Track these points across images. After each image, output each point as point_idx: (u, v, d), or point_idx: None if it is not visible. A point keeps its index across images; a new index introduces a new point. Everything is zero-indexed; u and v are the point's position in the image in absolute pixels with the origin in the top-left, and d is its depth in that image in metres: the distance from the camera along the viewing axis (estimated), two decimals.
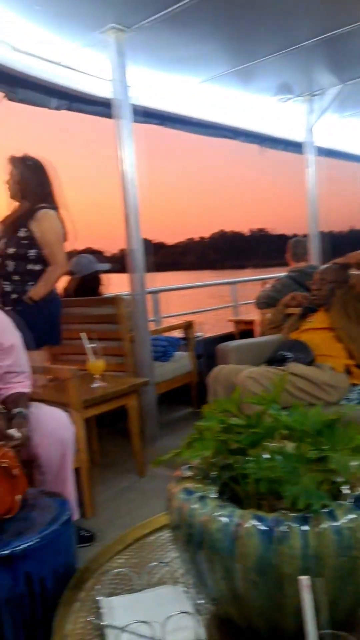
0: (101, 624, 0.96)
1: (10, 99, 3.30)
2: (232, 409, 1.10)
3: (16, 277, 2.78)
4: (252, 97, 4.31)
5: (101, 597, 1.05)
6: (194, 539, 0.91)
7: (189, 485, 1.00)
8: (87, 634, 1.03)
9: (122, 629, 0.93)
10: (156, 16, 2.83)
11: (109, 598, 1.08)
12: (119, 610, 1.04)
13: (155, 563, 1.18)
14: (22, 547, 1.23)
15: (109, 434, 3.12)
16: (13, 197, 2.89)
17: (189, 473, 1.04)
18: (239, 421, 1.04)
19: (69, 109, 3.58)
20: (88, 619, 1.02)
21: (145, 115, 3.73)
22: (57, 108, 3.50)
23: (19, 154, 2.87)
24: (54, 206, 2.85)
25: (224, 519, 0.88)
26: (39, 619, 1.24)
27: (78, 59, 3.30)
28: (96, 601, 1.09)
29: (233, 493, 1.01)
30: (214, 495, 0.96)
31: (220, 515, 0.88)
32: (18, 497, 1.42)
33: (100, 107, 3.61)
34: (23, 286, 2.78)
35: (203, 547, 0.89)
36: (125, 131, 2.97)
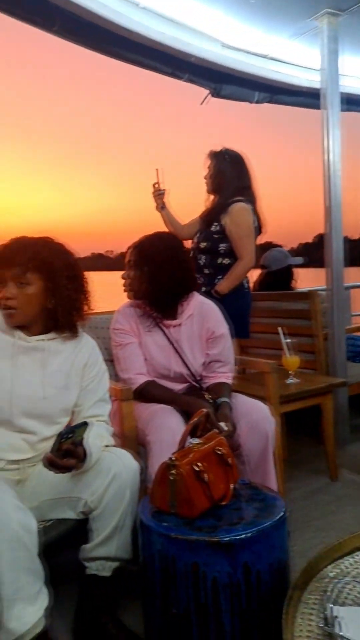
0: (340, 633, 0.92)
1: (214, 96, 3.38)
2: None
3: (207, 271, 2.83)
4: None
5: (332, 605, 1.01)
6: None
7: None
8: (313, 638, 1.00)
9: None
10: None
11: (337, 607, 1.03)
12: (349, 622, 0.99)
13: None
14: (241, 536, 1.24)
15: (294, 431, 3.05)
16: (210, 191, 2.92)
17: None
18: None
19: (270, 101, 3.55)
20: (320, 625, 0.99)
21: (349, 102, 3.55)
22: (259, 101, 3.50)
23: (218, 148, 2.91)
24: (250, 199, 2.84)
25: None
26: (255, 610, 1.25)
27: (284, 50, 3.25)
28: (322, 607, 1.05)
29: None
30: None
31: None
32: (231, 486, 1.45)
33: (302, 97, 3.53)
34: (213, 280, 2.82)
35: None
36: (332, 120, 2.84)
